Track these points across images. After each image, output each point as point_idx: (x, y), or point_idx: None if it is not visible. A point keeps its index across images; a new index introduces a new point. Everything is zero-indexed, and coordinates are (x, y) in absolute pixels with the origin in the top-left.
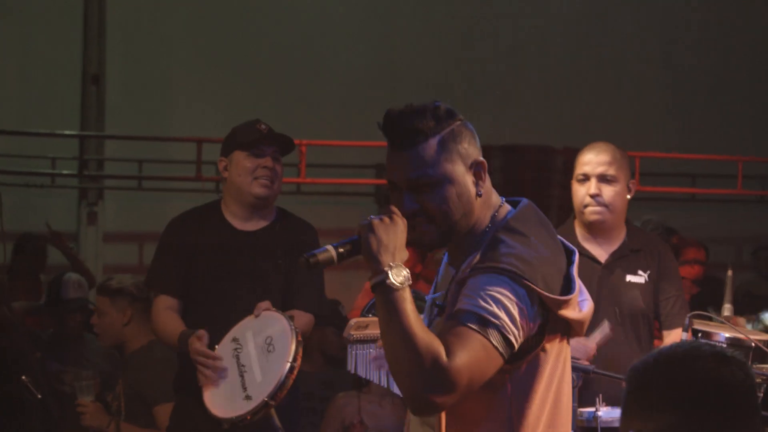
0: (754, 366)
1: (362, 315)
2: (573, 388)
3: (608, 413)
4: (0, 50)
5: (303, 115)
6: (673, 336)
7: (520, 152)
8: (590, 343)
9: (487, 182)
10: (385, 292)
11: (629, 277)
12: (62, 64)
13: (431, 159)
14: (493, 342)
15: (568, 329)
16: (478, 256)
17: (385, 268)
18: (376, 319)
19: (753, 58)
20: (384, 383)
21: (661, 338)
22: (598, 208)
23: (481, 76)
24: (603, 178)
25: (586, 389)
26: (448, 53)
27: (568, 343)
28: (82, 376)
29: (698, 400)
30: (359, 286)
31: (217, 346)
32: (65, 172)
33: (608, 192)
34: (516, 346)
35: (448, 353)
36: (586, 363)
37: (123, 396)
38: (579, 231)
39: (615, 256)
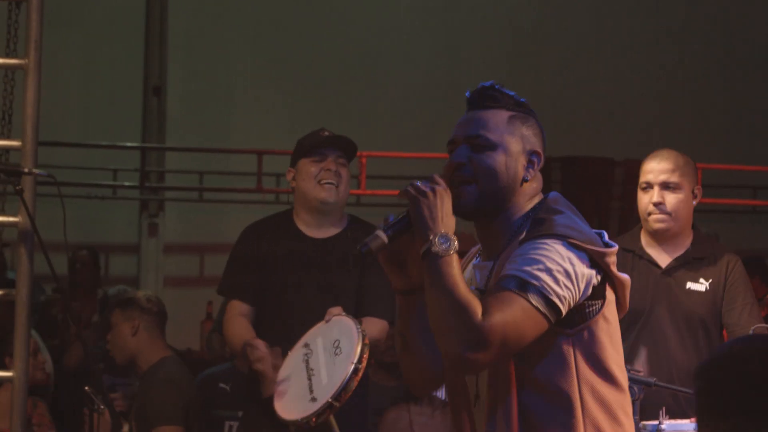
0: None
1: None
2: (634, 401)
3: (671, 426)
4: (62, 62)
5: (363, 127)
6: None
7: (581, 164)
8: None
9: (538, 178)
10: (430, 259)
11: (689, 284)
12: (124, 76)
13: (495, 126)
14: (533, 303)
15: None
16: (523, 234)
17: (431, 237)
18: None
19: None
20: (443, 395)
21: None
22: (661, 216)
23: (541, 87)
24: (665, 186)
25: (647, 402)
26: (508, 66)
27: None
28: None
29: None
30: None
31: (289, 353)
32: (127, 183)
33: (671, 200)
34: (562, 308)
35: (484, 312)
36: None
37: (133, 419)
38: (644, 238)
39: (677, 262)
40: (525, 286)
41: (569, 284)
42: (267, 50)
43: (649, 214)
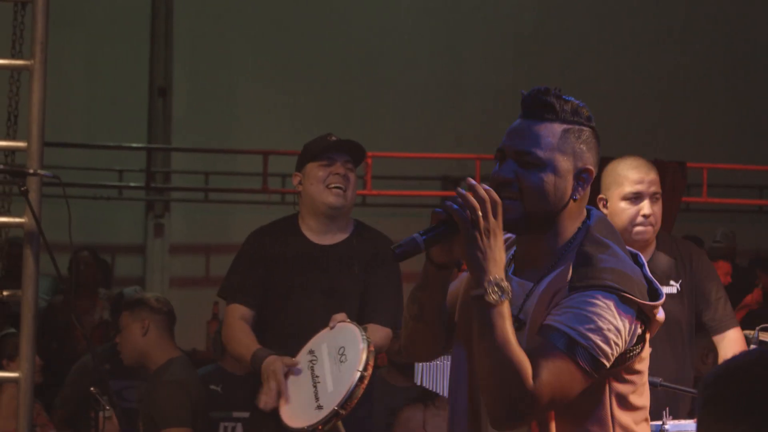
0: None
1: None
2: None
3: (675, 426)
4: (68, 63)
5: (368, 127)
6: (728, 339)
7: None
8: None
9: (585, 195)
10: (482, 306)
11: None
12: (129, 77)
13: (546, 142)
14: (581, 364)
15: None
16: (570, 272)
17: (485, 283)
18: None
19: None
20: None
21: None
22: (648, 228)
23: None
24: (654, 197)
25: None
26: (510, 67)
27: None
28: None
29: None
30: None
31: (294, 359)
32: (132, 184)
33: (656, 210)
34: (607, 365)
35: (534, 375)
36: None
37: (141, 423)
38: None
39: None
40: (574, 346)
41: (619, 341)
42: (272, 51)
43: (635, 225)
